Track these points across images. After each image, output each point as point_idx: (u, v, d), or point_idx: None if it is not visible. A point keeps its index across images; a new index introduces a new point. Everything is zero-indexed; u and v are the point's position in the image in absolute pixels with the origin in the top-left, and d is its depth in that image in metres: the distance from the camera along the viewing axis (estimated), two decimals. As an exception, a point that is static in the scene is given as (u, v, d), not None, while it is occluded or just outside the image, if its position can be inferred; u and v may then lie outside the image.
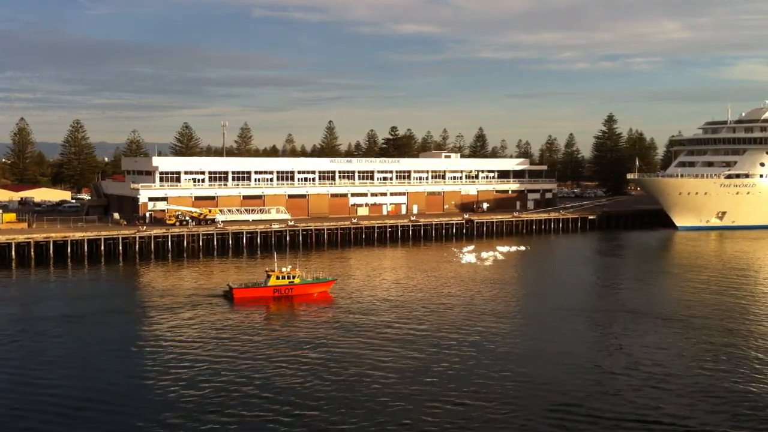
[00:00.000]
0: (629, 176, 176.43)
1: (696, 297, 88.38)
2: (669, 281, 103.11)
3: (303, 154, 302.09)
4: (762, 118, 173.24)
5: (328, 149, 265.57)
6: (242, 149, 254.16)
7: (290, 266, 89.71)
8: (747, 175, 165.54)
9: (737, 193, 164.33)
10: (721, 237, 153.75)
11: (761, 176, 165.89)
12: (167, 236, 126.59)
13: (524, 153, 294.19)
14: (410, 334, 68.75)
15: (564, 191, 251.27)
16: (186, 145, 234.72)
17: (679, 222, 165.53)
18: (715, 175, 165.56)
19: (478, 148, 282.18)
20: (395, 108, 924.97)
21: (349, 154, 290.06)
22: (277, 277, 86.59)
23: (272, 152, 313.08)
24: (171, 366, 58.75)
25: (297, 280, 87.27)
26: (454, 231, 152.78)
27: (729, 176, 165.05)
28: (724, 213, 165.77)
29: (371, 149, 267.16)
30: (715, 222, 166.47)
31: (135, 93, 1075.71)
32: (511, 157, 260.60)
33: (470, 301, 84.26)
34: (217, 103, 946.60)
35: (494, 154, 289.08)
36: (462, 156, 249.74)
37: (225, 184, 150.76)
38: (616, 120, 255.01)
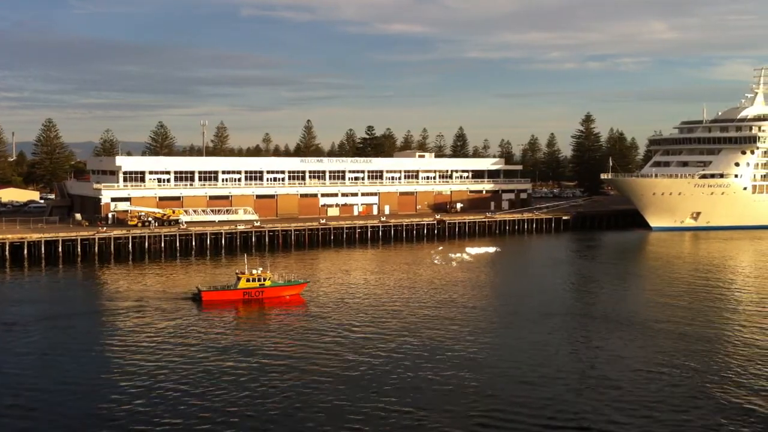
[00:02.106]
0: (603, 176, 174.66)
1: (662, 301, 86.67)
2: (636, 284, 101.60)
3: (287, 153, 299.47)
4: (737, 117, 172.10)
5: (306, 149, 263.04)
6: (218, 148, 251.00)
7: (261, 268, 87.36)
8: (722, 175, 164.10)
9: (712, 194, 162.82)
10: (695, 238, 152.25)
11: (736, 176, 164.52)
12: (128, 237, 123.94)
13: (506, 153, 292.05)
14: (381, 338, 67.28)
15: (543, 191, 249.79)
16: (161, 144, 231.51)
17: (653, 222, 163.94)
18: (690, 175, 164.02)
19: (459, 148, 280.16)
20: (384, 107, 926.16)
21: (332, 153, 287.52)
22: (248, 280, 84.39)
23: (256, 152, 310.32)
24: (134, 373, 56.83)
25: (268, 283, 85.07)
26: (425, 232, 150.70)
27: (703, 176, 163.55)
28: (698, 213, 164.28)
29: (353, 149, 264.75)
30: (689, 222, 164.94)
31: (123, 92, 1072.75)
32: (494, 156, 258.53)
33: (435, 304, 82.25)
34: (206, 102, 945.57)
35: (477, 154, 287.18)
36: (443, 156, 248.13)
37: (191, 184, 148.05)
38: (594, 119, 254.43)
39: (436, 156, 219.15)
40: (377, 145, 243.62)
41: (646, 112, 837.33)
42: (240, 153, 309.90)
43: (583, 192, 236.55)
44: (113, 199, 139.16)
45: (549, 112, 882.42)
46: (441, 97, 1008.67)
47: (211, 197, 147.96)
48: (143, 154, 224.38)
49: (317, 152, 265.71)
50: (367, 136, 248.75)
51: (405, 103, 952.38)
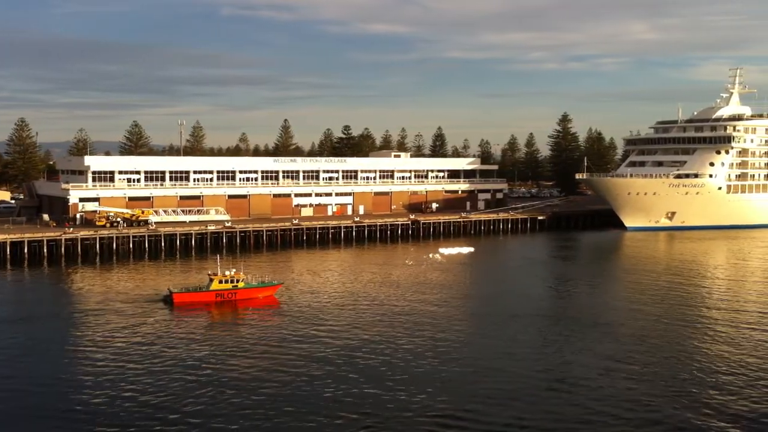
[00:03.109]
0: (578, 176, 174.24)
1: (633, 302, 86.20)
2: (607, 285, 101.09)
3: (267, 153, 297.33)
4: (712, 117, 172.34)
5: (283, 149, 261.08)
6: (195, 148, 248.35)
7: (234, 269, 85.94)
8: (696, 175, 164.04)
9: (686, 194, 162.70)
10: (670, 238, 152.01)
11: (710, 176, 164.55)
12: (95, 238, 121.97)
13: (485, 153, 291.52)
14: (354, 340, 66.56)
15: (522, 191, 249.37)
16: (135, 144, 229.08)
17: (628, 222, 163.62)
18: (665, 174, 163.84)
19: (437, 148, 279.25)
20: (366, 107, 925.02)
21: (311, 153, 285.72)
22: (220, 281, 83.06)
23: (235, 151, 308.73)
24: (102, 376, 55.67)
25: (241, 284, 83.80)
26: (399, 232, 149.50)
27: (678, 176, 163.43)
28: (673, 213, 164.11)
29: (330, 149, 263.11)
30: (664, 222, 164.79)
31: (103, 92, 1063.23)
32: (473, 156, 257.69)
33: (407, 307, 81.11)
34: (187, 102, 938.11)
35: (457, 154, 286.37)
36: (422, 156, 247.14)
37: (161, 184, 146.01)
38: (571, 119, 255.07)
39: (414, 156, 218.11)
40: (354, 145, 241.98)
41: (627, 112, 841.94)
42: (220, 153, 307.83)
43: (560, 192, 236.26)
44: (81, 200, 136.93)
45: (530, 112, 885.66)
46: (422, 97, 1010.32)
47: (182, 197, 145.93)
48: (121, 153, 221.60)
49: (297, 152, 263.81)
50: (344, 136, 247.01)
51: (386, 103, 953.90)
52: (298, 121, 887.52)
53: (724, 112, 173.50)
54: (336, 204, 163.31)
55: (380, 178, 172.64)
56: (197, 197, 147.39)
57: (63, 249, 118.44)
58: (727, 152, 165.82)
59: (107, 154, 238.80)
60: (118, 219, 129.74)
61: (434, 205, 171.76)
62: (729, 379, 55.47)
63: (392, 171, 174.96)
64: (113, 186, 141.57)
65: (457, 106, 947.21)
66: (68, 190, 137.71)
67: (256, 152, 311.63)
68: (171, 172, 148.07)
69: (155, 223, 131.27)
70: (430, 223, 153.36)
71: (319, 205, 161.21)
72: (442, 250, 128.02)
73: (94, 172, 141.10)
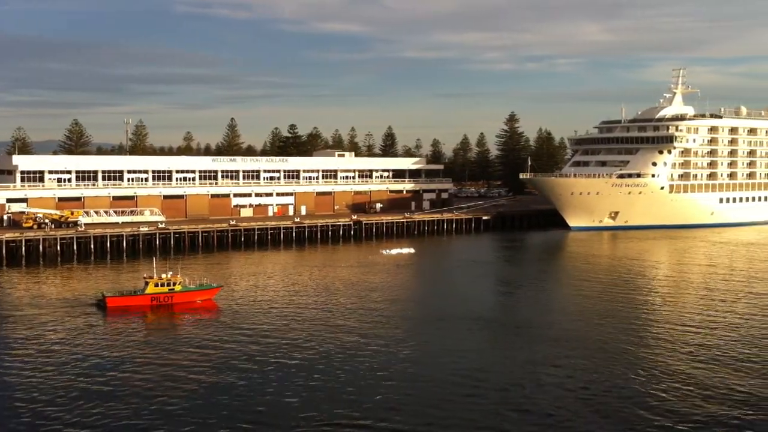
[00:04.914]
0: (522, 176, 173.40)
1: (569, 304, 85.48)
2: (546, 286, 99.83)
3: (217, 152, 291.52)
4: (655, 117, 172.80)
5: (229, 148, 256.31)
6: (138, 147, 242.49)
7: (171, 272, 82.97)
8: (639, 175, 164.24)
9: (629, 193, 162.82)
10: (613, 238, 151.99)
11: (653, 176, 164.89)
12: (21, 240, 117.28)
13: (437, 152, 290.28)
14: (293, 344, 64.80)
15: (471, 191, 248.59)
16: (76, 143, 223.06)
17: (571, 222, 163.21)
18: (608, 174, 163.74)
19: (388, 147, 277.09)
20: (323, 107, 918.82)
21: (264, 153, 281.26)
22: (156, 284, 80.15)
23: (186, 150, 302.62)
24: (29, 385, 53.04)
25: (178, 287, 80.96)
26: (341, 233, 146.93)
27: (621, 176, 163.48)
28: (616, 213, 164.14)
29: (275, 148, 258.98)
30: (608, 222, 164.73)
31: (53, 90, 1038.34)
32: (426, 156, 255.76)
33: (342, 310, 79.21)
34: (139, 100, 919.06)
35: (410, 154, 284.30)
36: (373, 155, 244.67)
37: (93, 185, 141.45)
38: (518, 119, 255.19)
39: (365, 155, 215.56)
40: (301, 144, 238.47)
41: (582, 112, 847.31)
42: (170, 152, 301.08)
43: (508, 191, 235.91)
44: (9, 200, 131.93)
45: (487, 113, 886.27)
46: (379, 97, 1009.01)
47: (115, 198, 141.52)
48: (66, 153, 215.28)
49: (248, 151, 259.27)
50: (290, 135, 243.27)
51: (342, 103, 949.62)
52: (254, 121, 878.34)
53: (667, 112, 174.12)
54: (277, 204, 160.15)
55: (323, 177, 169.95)
56: (131, 197, 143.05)
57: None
58: (669, 152, 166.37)
59: (54, 153, 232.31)
60: (46, 220, 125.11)
61: (378, 206, 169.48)
62: (665, 379, 54.06)
63: (335, 171, 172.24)
64: (42, 186, 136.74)
65: (413, 105, 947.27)
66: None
67: (207, 151, 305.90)
68: (104, 172, 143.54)
69: (85, 224, 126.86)
70: (372, 223, 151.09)
71: (259, 205, 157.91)
72: (383, 251, 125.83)
73: (22, 172, 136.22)
